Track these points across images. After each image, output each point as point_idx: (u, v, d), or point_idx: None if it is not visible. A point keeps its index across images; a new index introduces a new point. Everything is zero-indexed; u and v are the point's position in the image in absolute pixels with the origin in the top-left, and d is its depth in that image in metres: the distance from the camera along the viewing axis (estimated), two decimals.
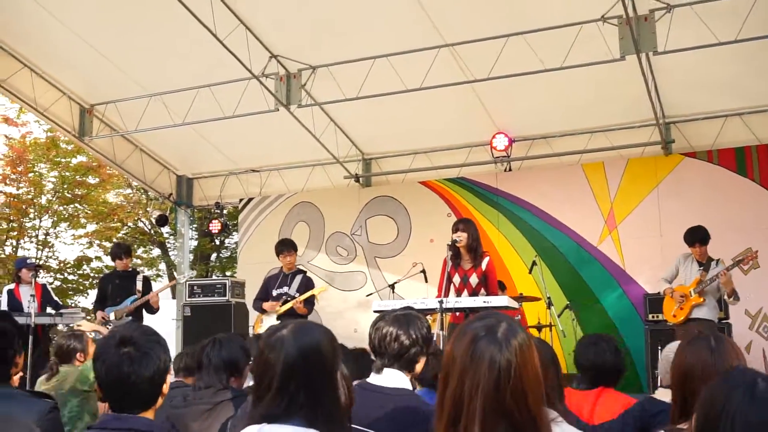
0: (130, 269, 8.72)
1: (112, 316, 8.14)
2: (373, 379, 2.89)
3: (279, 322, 7.52)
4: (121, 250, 8.69)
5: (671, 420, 2.46)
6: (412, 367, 2.89)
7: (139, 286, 8.40)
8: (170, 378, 2.33)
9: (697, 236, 7.35)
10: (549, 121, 9.73)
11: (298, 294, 7.89)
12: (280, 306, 7.83)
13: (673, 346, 3.62)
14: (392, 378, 2.85)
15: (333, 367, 2.06)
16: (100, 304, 8.49)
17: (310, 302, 7.91)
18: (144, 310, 8.43)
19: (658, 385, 3.89)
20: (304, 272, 8.32)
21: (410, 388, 2.89)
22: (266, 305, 7.98)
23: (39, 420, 2.47)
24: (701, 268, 7.31)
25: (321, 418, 1.96)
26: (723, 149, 9.27)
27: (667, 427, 2.33)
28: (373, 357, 3.00)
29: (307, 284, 8.05)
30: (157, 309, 8.56)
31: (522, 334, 1.70)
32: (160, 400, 2.33)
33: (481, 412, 1.59)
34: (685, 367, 2.48)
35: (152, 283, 9.15)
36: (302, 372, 1.97)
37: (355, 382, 2.96)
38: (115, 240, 17.86)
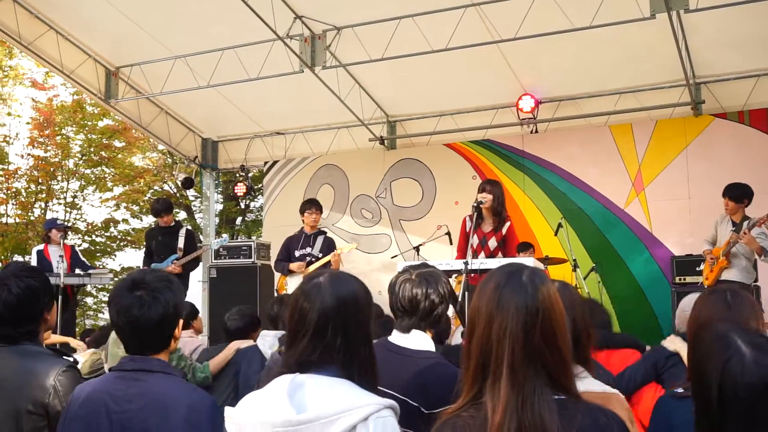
0: (173, 224, 8.63)
1: None
2: (398, 339, 2.83)
3: None
4: (161, 208, 8.59)
5: (687, 376, 2.42)
6: (438, 325, 2.88)
7: (180, 243, 8.35)
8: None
9: (730, 191, 7.22)
10: (576, 82, 9.59)
11: (321, 255, 7.90)
12: (306, 267, 7.84)
13: (691, 298, 3.64)
14: (418, 340, 2.81)
15: (368, 319, 2.06)
16: (148, 258, 8.56)
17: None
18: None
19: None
20: (325, 233, 8.32)
21: (434, 350, 2.85)
22: (293, 266, 7.95)
23: (54, 378, 2.51)
24: (733, 228, 7.17)
25: (357, 367, 1.96)
26: (754, 110, 9.10)
27: (685, 384, 2.30)
28: (393, 316, 2.97)
29: (330, 245, 8.06)
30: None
31: (545, 278, 1.71)
32: (173, 344, 2.39)
33: (510, 354, 1.60)
34: (700, 321, 2.44)
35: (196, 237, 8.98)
36: (338, 319, 1.97)
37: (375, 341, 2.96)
38: (143, 201, 18.03)
